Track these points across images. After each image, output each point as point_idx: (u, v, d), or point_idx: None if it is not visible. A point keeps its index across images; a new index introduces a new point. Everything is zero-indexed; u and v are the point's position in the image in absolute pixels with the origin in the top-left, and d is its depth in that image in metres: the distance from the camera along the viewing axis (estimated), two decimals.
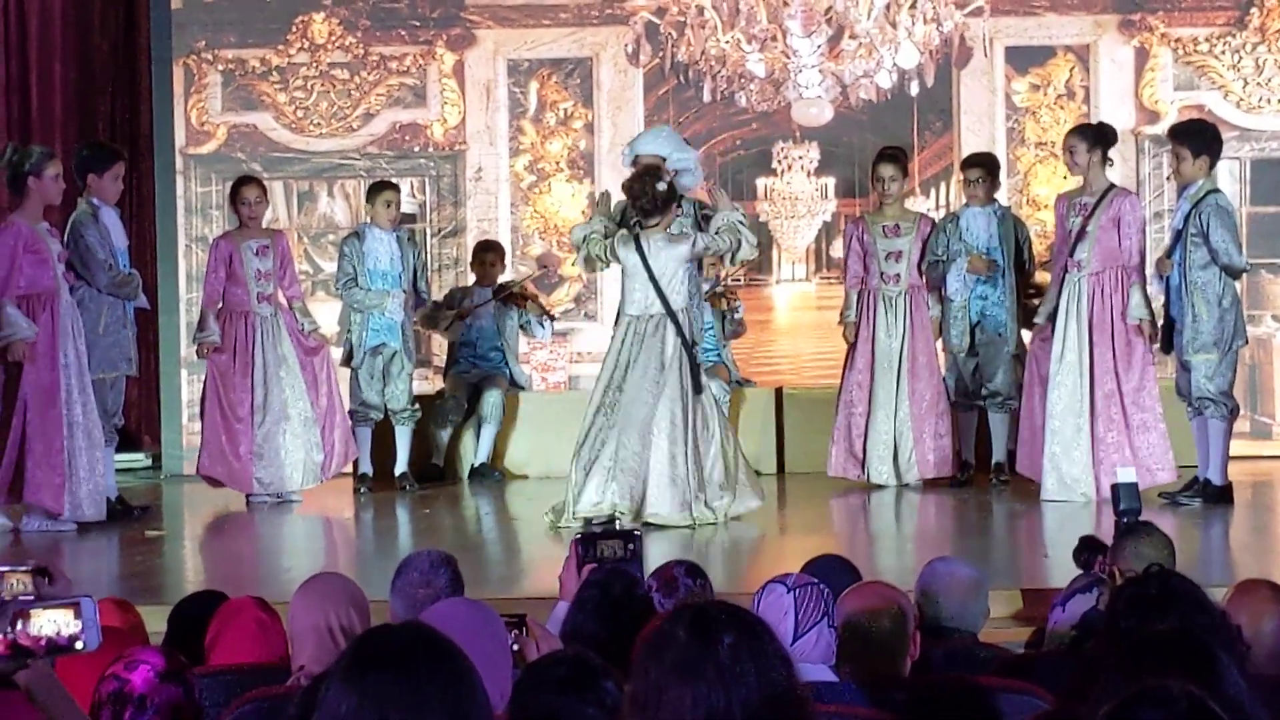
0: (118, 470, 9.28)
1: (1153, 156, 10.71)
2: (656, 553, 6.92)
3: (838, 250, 10.51)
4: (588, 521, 7.79)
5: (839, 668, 3.69)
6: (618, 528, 7.58)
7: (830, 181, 11.09)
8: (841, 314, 9.57)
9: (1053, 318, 8.69)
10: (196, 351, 9.58)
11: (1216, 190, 8.57)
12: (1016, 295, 9.39)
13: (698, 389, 8.02)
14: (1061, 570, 5.59)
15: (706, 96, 11.01)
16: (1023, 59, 10.91)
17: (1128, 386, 8.58)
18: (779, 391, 10.36)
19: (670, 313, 7.99)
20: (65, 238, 8.61)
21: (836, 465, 9.41)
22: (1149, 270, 8.70)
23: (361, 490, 9.65)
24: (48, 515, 8.25)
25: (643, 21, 11.01)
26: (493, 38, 11.07)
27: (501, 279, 10.45)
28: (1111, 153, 8.77)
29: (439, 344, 10.71)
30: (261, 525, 8.98)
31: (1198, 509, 8.35)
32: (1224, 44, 10.81)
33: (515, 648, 3.64)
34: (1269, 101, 10.79)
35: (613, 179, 9.61)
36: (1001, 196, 9.83)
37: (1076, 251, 8.64)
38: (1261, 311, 10.74)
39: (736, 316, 10.09)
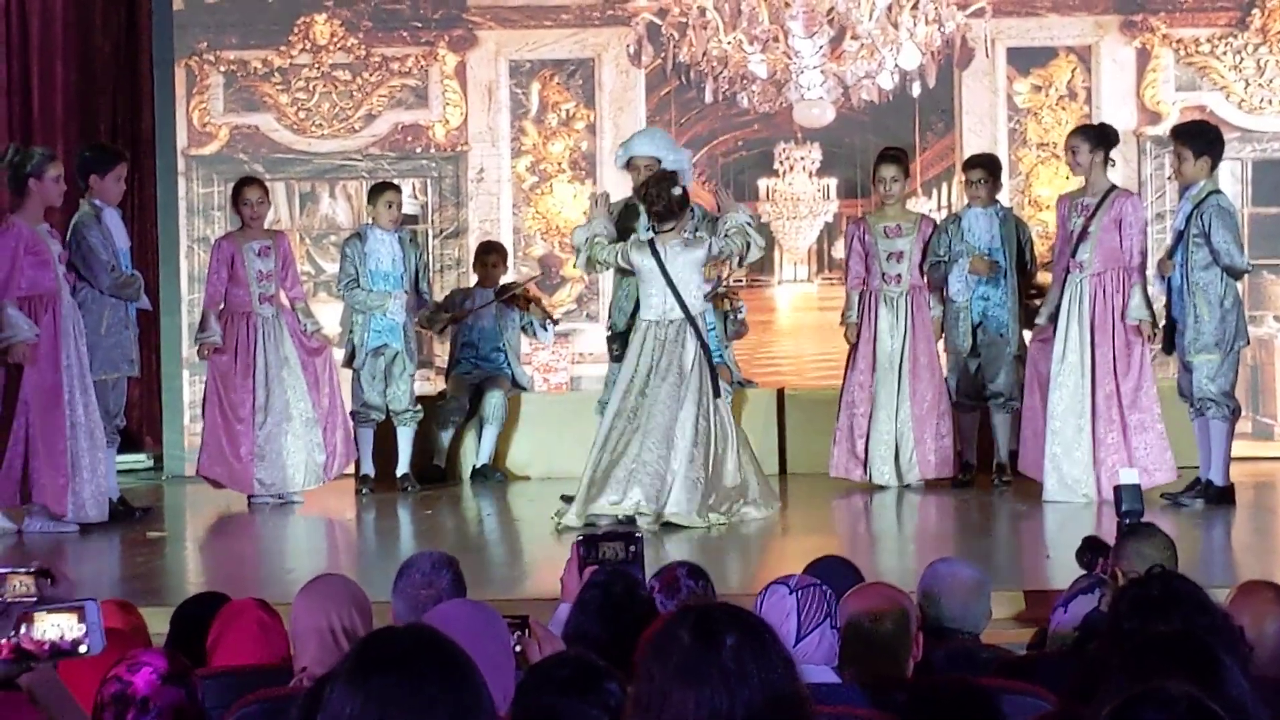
0: (119, 471, 9.28)
1: (1154, 157, 10.70)
2: (662, 554, 6.94)
3: (839, 251, 10.51)
4: (616, 520, 7.83)
5: (841, 669, 3.70)
6: (638, 527, 7.71)
7: (832, 182, 11.09)
8: (843, 315, 9.58)
9: (1054, 318, 8.69)
10: (197, 352, 9.58)
11: (1218, 191, 8.57)
12: (1018, 296, 9.39)
13: (717, 392, 8.11)
14: (1063, 571, 5.59)
15: (708, 97, 11.01)
16: (1024, 60, 10.91)
17: (1126, 387, 8.58)
18: (781, 392, 10.36)
19: (689, 317, 8.03)
20: (67, 239, 8.61)
21: (838, 466, 9.41)
22: (1150, 271, 8.70)
23: (363, 491, 9.65)
24: (50, 516, 8.26)
25: (644, 22, 11.01)
26: (494, 39, 11.07)
27: (503, 280, 10.45)
28: (1113, 154, 8.78)
29: (441, 345, 10.71)
30: (263, 526, 8.98)
31: (1199, 510, 8.35)
32: (1225, 45, 10.80)
33: (518, 649, 3.65)
34: (1270, 102, 10.79)
35: (614, 180, 9.61)
36: (1003, 197, 9.83)
37: (1078, 252, 8.64)
38: (1263, 312, 10.74)
39: (739, 317, 10.08)
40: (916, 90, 10.92)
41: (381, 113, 11.09)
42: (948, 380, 9.47)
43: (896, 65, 10.90)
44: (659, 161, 8.49)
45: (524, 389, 10.42)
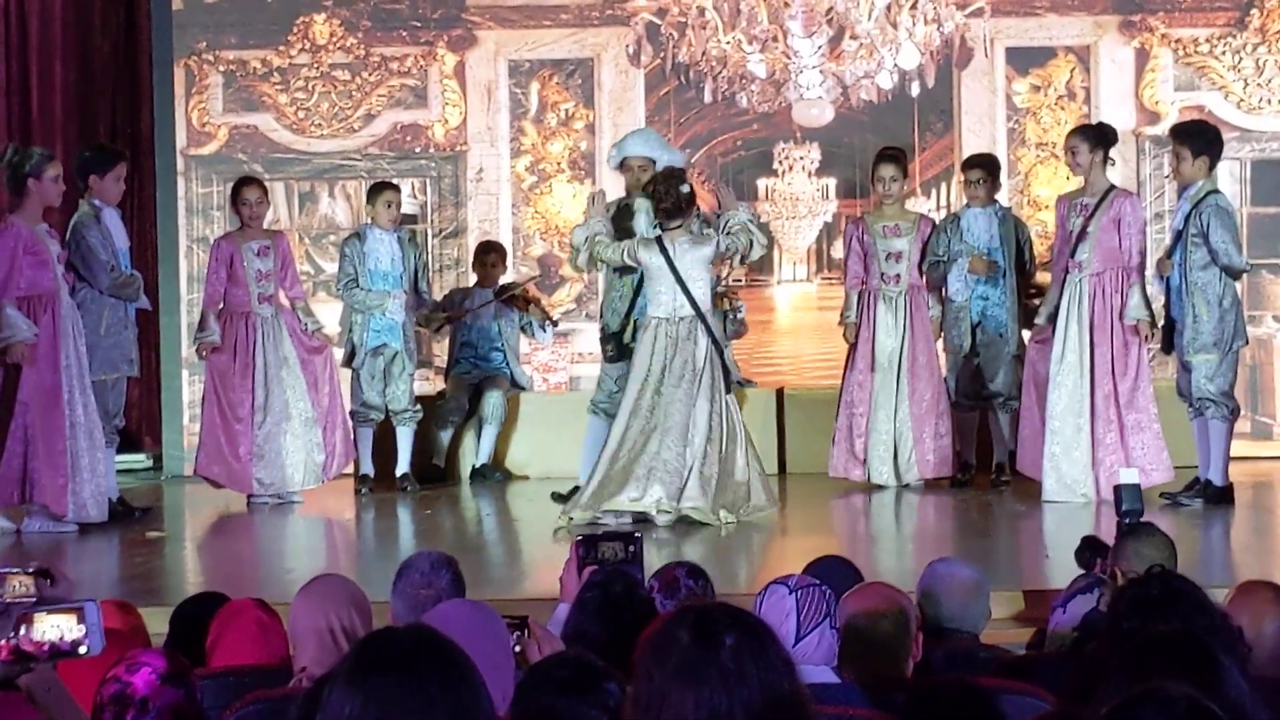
0: (119, 471, 9.28)
1: (1153, 157, 10.71)
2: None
3: (839, 251, 10.51)
4: (631, 516, 7.87)
5: (841, 669, 3.70)
6: (655, 524, 7.79)
7: (831, 182, 11.09)
8: (842, 314, 9.58)
9: (1053, 319, 8.70)
10: (196, 352, 9.58)
11: (1216, 191, 8.57)
12: (1017, 296, 9.39)
13: (729, 388, 8.18)
14: (1062, 571, 5.59)
15: (707, 97, 11.01)
16: (1023, 60, 10.91)
17: (1123, 387, 8.59)
18: (780, 392, 10.36)
19: (699, 313, 8.04)
20: (67, 239, 8.61)
21: (837, 466, 9.42)
22: (1149, 271, 8.70)
23: (362, 491, 9.65)
24: (49, 516, 8.26)
25: (644, 22, 11.01)
26: (494, 38, 11.07)
27: (502, 280, 10.45)
28: (1112, 153, 8.78)
29: (440, 345, 10.71)
30: (262, 526, 8.98)
31: (1199, 510, 8.35)
32: (1224, 45, 10.81)
33: (517, 649, 3.64)
34: (1269, 102, 10.79)
35: (613, 180, 9.61)
36: (1002, 197, 9.83)
37: (1077, 252, 8.64)
38: (1262, 312, 10.74)
39: (738, 317, 10.08)
40: (915, 90, 10.92)
41: (381, 112, 11.09)
42: (947, 380, 9.47)
43: (895, 65, 10.90)
44: (653, 162, 8.50)
45: (523, 389, 10.42)
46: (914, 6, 10.87)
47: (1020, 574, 6.94)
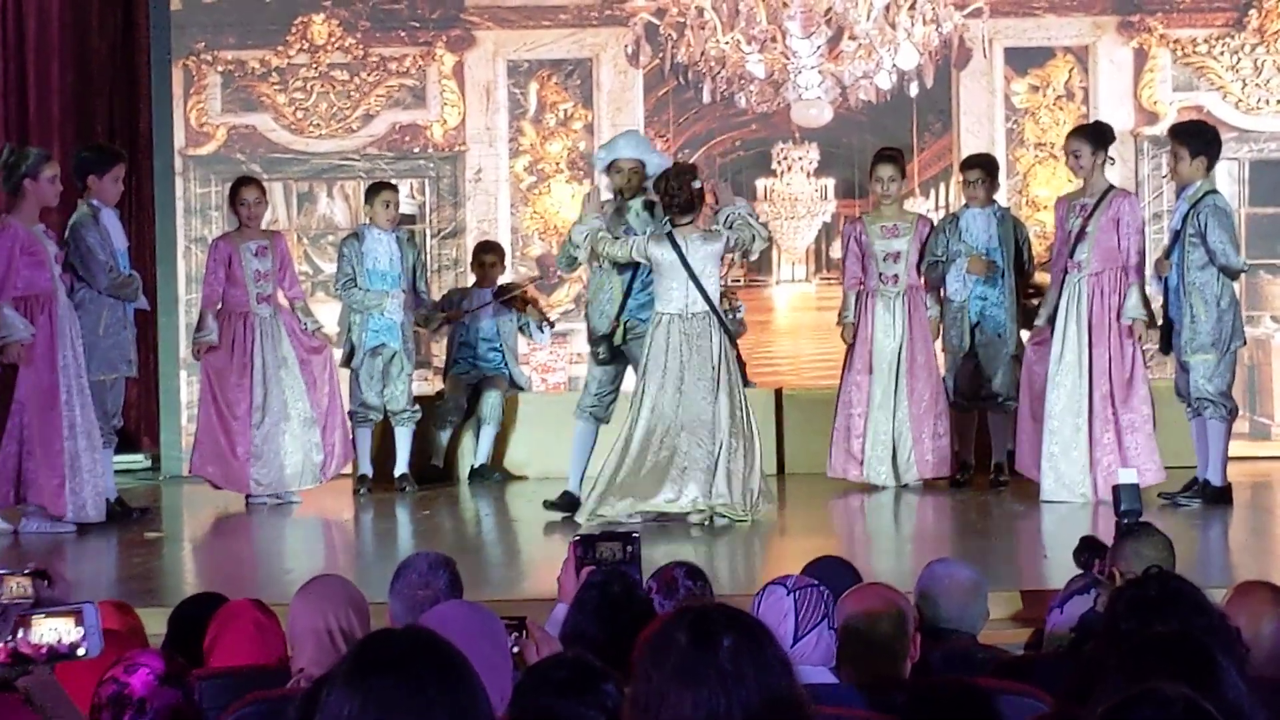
0: (117, 472, 9.27)
1: (1151, 158, 10.71)
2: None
3: (837, 251, 10.50)
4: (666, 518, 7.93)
5: (839, 670, 3.69)
6: (693, 521, 7.89)
7: (830, 182, 11.09)
8: (840, 315, 9.58)
9: (1052, 320, 8.69)
10: (193, 351, 9.57)
11: (1214, 191, 8.57)
12: (1016, 296, 9.39)
13: (746, 382, 8.25)
14: (1061, 571, 5.59)
15: (706, 97, 11.01)
16: (1022, 60, 10.91)
17: (1118, 387, 8.59)
18: (779, 392, 10.36)
19: (712, 309, 8.05)
20: (65, 239, 8.61)
21: (836, 466, 9.42)
22: (1148, 271, 8.70)
23: (361, 491, 9.65)
24: (47, 517, 8.25)
25: (642, 22, 11.01)
26: (492, 39, 11.07)
27: (501, 280, 10.45)
28: (1111, 153, 8.78)
29: (438, 345, 10.71)
30: (261, 527, 8.97)
31: (1197, 510, 8.35)
32: (1223, 45, 10.81)
33: (515, 650, 3.64)
34: (1267, 102, 10.80)
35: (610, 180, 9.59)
36: (1001, 197, 9.84)
37: (1076, 252, 8.64)
38: (1260, 312, 10.74)
39: (737, 317, 10.07)
40: (914, 90, 10.92)
41: (379, 113, 11.09)
42: (945, 380, 9.47)
43: (894, 65, 10.90)
44: (643, 164, 8.50)
45: (522, 389, 10.42)
46: (912, 7, 10.87)
47: (1018, 574, 6.94)
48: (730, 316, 10.02)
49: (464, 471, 10.20)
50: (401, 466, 9.82)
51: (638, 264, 8.42)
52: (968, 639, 4.44)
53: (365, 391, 9.71)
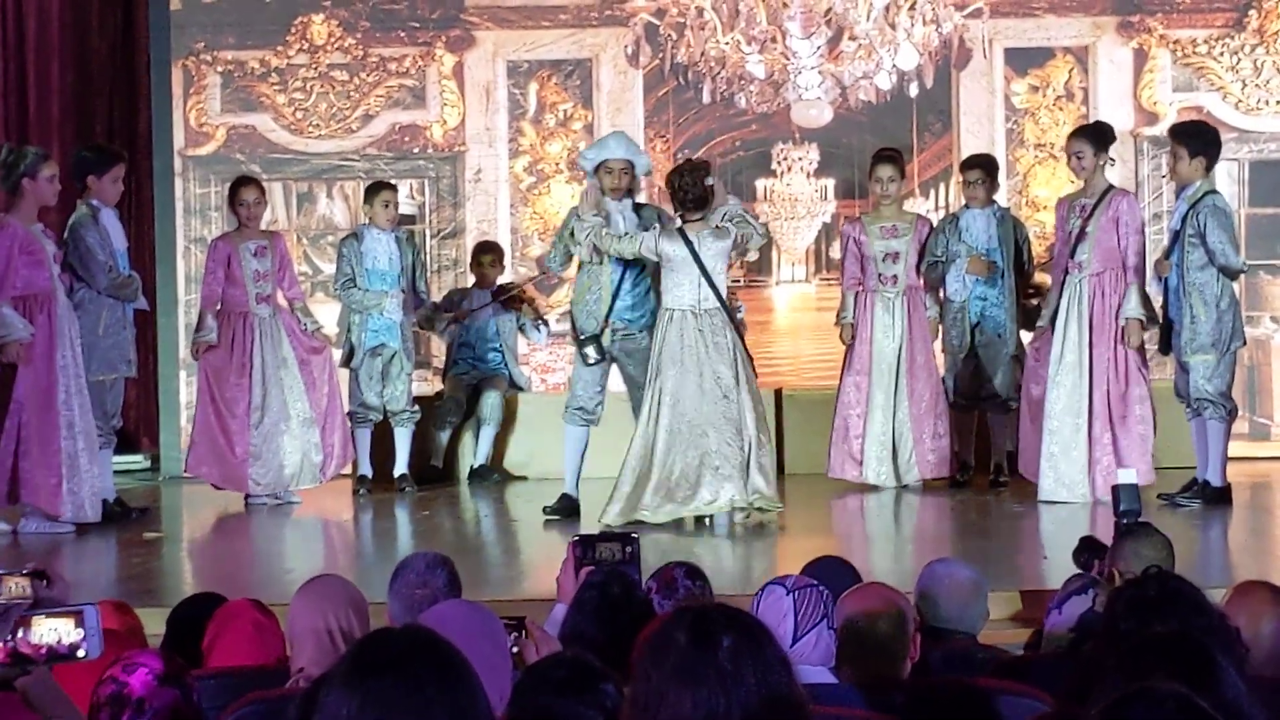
0: (116, 472, 9.27)
1: (1151, 158, 10.71)
2: (659, 555, 6.95)
3: (837, 252, 10.50)
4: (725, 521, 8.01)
5: (838, 670, 3.69)
6: (737, 520, 7.95)
7: (830, 183, 11.09)
8: (838, 315, 9.58)
9: (1053, 320, 8.69)
10: (192, 351, 9.57)
11: (1214, 191, 8.57)
12: (1016, 296, 9.39)
13: (754, 375, 8.27)
14: (1060, 572, 5.58)
15: (706, 98, 11.01)
16: (1022, 60, 10.91)
17: (1114, 386, 8.59)
18: (779, 393, 10.35)
19: (722, 304, 8.07)
20: (65, 239, 8.61)
21: (835, 466, 9.42)
22: (1148, 272, 8.70)
23: (361, 492, 9.65)
24: (46, 517, 8.25)
25: (642, 23, 11.01)
26: (492, 39, 11.07)
27: (500, 280, 10.45)
28: (1110, 154, 8.78)
29: (438, 345, 10.71)
30: (260, 527, 8.97)
31: (1196, 510, 8.35)
32: (1222, 46, 10.81)
33: (514, 650, 3.64)
34: (1267, 103, 10.80)
35: None
36: (1001, 198, 9.84)
37: (1077, 253, 8.64)
38: (1260, 313, 10.74)
39: (737, 317, 10.07)
40: (914, 91, 10.92)
41: (379, 113, 11.09)
42: (945, 380, 9.47)
43: (894, 66, 10.90)
44: (632, 165, 8.50)
45: (521, 389, 10.42)
46: (912, 7, 10.87)
47: (1018, 574, 6.93)
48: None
49: (463, 472, 10.20)
50: (401, 467, 9.82)
51: (626, 265, 8.43)
52: (967, 639, 4.44)
53: (365, 392, 9.71)
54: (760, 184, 11.10)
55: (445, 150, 11.07)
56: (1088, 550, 5.06)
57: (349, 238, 9.83)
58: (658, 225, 8.36)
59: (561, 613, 4.23)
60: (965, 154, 10.19)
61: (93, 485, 8.33)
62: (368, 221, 9.76)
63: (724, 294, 8.20)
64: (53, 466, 8.20)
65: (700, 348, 8.06)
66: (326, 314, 10.09)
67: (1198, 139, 8.51)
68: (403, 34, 11.08)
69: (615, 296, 8.51)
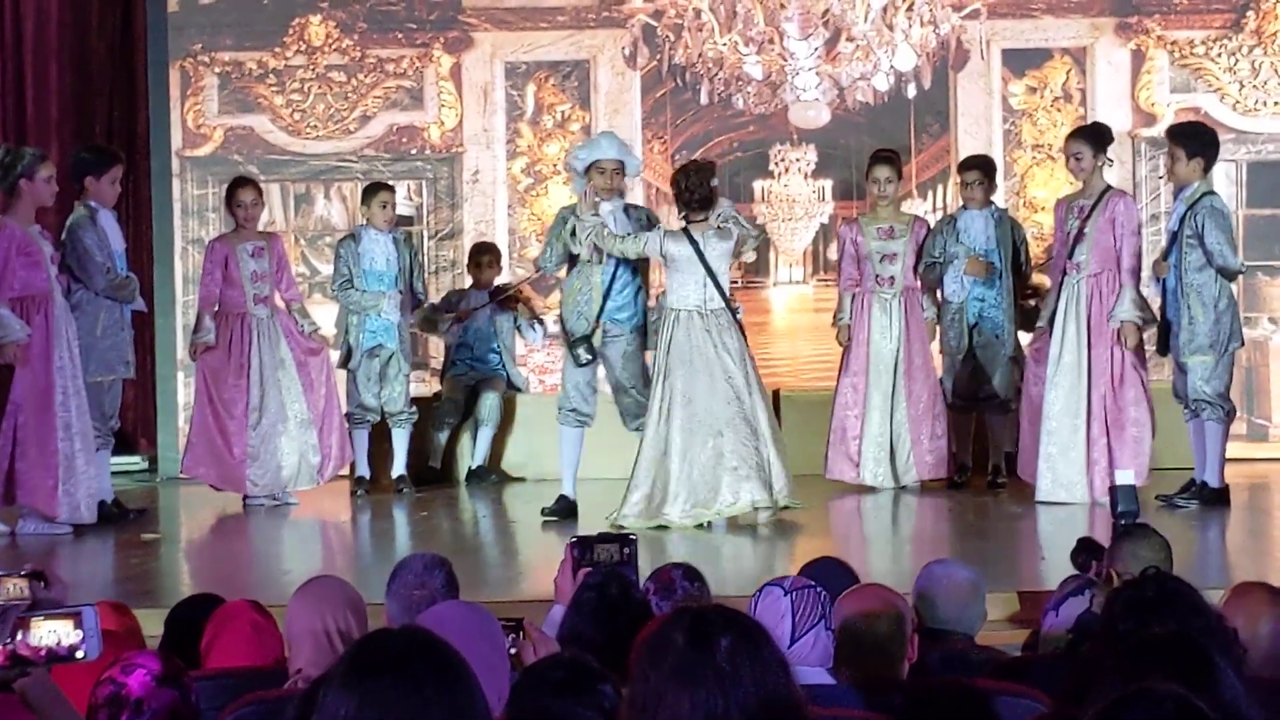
0: (114, 473, 9.27)
1: (1149, 159, 10.71)
2: (657, 556, 6.94)
3: (835, 253, 10.50)
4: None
5: (836, 670, 3.69)
6: (761, 520, 7.98)
7: (827, 184, 11.09)
8: (835, 316, 9.58)
9: (1052, 320, 8.69)
10: (190, 352, 9.57)
11: (1212, 192, 8.57)
12: (1014, 297, 9.40)
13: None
14: (1058, 573, 5.58)
15: (704, 99, 11.01)
16: (1019, 61, 10.91)
17: (1112, 387, 8.59)
18: (776, 394, 10.32)
19: (727, 304, 8.07)
20: (63, 240, 8.61)
21: (833, 468, 9.42)
22: (1145, 273, 8.70)
23: (359, 493, 9.65)
24: (44, 518, 8.25)
25: (640, 24, 11.01)
26: (490, 40, 11.07)
27: (498, 280, 10.45)
28: (1108, 155, 8.78)
29: (436, 346, 10.71)
30: (258, 528, 8.97)
31: (1194, 511, 8.35)
32: (1220, 47, 10.81)
33: (512, 651, 3.64)
34: (1265, 104, 10.80)
35: None
36: (998, 199, 9.84)
37: (1075, 254, 8.64)
38: (1258, 314, 10.74)
39: (736, 318, 10.08)
40: (912, 92, 10.92)
41: (376, 114, 11.09)
42: (943, 381, 9.48)
43: (892, 67, 10.91)
44: (623, 165, 8.51)
45: (519, 390, 10.42)
46: (910, 8, 10.87)
47: (1016, 575, 6.94)
48: None
49: (462, 473, 10.20)
50: (399, 468, 9.82)
51: (617, 266, 8.43)
52: (965, 640, 4.44)
53: (362, 393, 9.71)
54: (758, 185, 11.10)
55: (443, 151, 11.07)
56: (1086, 551, 5.07)
57: (346, 239, 9.82)
58: (661, 225, 8.37)
59: (559, 614, 4.23)
60: (963, 155, 10.19)
61: (88, 486, 8.33)
62: (365, 222, 9.76)
63: (728, 294, 8.21)
64: (50, 468, 8.19)
65: (708, 348, 8.07)
66: (324, 315, 10.09)
67: (1195, 140, 8.51)
68: (400, 35, 11.08)
69: (606, 297, 8.52)
